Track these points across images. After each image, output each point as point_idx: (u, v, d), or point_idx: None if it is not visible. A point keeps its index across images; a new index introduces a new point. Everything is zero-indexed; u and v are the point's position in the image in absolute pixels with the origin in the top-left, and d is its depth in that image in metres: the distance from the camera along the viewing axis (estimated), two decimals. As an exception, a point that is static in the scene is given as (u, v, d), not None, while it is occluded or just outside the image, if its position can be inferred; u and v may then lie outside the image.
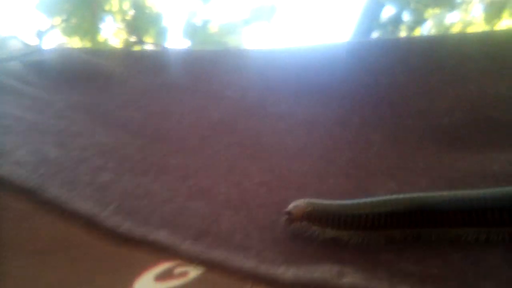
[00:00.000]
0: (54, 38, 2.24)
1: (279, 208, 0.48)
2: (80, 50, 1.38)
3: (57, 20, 2.19)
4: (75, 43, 2.27)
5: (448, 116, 0.74)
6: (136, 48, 2.64)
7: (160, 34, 2.36)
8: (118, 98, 0.85)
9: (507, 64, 0.82)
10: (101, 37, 2.44)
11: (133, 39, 2.56)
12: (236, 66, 0.97)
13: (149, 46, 2.64)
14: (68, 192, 0.46)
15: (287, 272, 0.39)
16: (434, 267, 0.41)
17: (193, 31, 2.28)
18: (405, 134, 0.73)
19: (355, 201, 0.46)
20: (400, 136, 0.72)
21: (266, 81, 0.91)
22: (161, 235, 0.41)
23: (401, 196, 0.46)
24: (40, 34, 2.12)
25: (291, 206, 0.46)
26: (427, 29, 2.33)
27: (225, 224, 0.46)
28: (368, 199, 0.46)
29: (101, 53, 1.15)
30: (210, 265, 0.40)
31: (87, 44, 2.48)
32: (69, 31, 2.20)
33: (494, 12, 2.12)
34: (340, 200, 0.47)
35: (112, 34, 2.40)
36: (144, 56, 1.06)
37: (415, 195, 0.46)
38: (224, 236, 0.44)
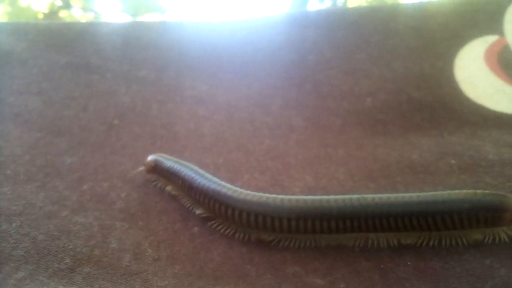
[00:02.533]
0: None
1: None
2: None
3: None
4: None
5: (371, 98, 0.71)
6: (62, 13, 2.43)
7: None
8: (16, 81, 0.75)
9: (433, 40, 0.80)
10: (22, 2, 2.23)
11: (59, 2, 2.36)
12: (152, 42, 0.88)
13: (77, 11, 2.44)
14: None
15: None
16: (341, 280, 0.38)
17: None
18: (328, 117, 0.69)
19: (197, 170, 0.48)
20: (323, 120, 0.69)
21: (184, 59, 0.83)
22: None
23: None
24: None
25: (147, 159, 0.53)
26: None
27: (114, 244, 0.40)
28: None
29: (2, 26, 1.01)
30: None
31: (6, 9, 2.25)
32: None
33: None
34: (189, 165, 0.50)
35: (37, -4, 2.18)
36: (51, 30, 0.94)
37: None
38: (110, 262, 0.38)
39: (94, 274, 0.35)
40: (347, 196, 0.41)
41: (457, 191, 0.40)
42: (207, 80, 0.79)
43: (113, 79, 0.78)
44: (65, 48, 0.86)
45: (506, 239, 0.38)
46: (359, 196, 0.41)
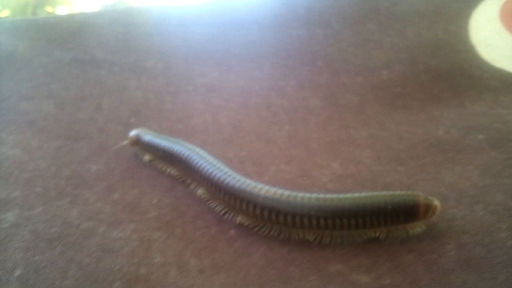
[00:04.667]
0: None
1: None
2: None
3: None
4: None
5: (387, 71, 0.70)
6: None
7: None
8: (24, 85, 0.74)
9: (444, 2, 0.78)
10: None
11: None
12: (155, 28, 0.86)
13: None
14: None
15: None
16: (386, 275, 0.39)
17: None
18: (344, 95, 0.68)
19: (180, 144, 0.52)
20: (340, 99, 0.68)
21: (190, 45, 0.81)
22: None
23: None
24: None
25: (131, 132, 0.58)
26: None
27: (157, 258, 0.41)
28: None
29: (1, 25, 0.98)
30: None
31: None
32: None
33: None
34: (169, 138, 0.55)
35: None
36: (50, 24, 0.91)
37: None
38: (158, 280, 0.38)
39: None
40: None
41: (381, 193, 0.41)
42: (217, 66, 0.77)
43: (121, 73, 0.76)
44: (67, 43, 0.84)
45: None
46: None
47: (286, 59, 0.77)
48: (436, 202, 0.41)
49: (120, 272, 0.38)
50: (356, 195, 0.42)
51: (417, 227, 0.41)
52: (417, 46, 0.72)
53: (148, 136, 0.57)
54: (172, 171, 0.54)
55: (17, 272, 0.37)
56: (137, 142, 0.57)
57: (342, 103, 0.67)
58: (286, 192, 0.42)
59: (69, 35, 0.86)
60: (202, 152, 0.51)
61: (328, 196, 0.42)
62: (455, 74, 0.67)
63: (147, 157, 0.56)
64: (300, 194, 0.42)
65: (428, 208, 0.40)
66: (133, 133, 0.58)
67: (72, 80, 0.75)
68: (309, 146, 0.59)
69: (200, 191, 0.49)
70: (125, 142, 0.58)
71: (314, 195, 0.42)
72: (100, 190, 0.51)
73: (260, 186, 0.44)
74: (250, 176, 0.46)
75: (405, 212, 0.40)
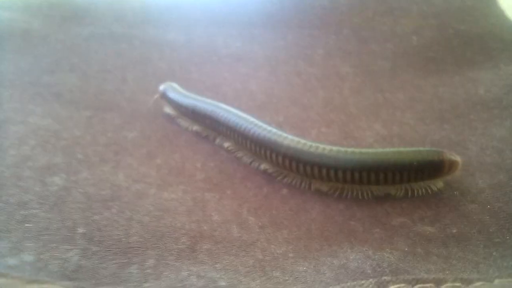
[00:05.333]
0: None
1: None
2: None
3: None
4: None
5: (417, 36, 0.69)
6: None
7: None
8: (44, 60, 0.71)
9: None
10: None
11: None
12: (173, 1, 0.84)
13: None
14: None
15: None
16: (452, 225, 0.38)
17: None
18: (375, 62, 0.67)
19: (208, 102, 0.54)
20: (371, 65, 0.67)
21: (211, 16, 0.80)
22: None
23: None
24: None
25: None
26: None
27: (216, 217, 0.40)
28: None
29: (11, 5, 0.95)
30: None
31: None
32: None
33: None
34: (193, 96, 0.56)
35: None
36: (62, 0, 0.89)
37: None
38: (223, 235, 0.37)
39: (215, 250, 0.35)
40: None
41: (407, 149, 0.41)
42: (239, 36, 0.76)
43: (142, 46, 0.75)
44: (83, 19, 0.82)
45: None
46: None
47: (310, 28, 0.75)
48: (458, 158, 0.40)
49: (183, 229, 0.37)
50: (380, 150, 0.41)
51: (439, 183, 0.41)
52: (445, 12, 0.71)
53: (173, 93, 0.58)
54: (195, 127, 0.55)
55: (80, 230, 0.35)
56: (162, 95, 0.59)
57: (374, 70, 0.66)
58: (309, 143, 0.42)
59: (84, 10, 0.84)
60: (225, 105, 0.52)
61: (350, 149, 0.41)
62: (487, 38, 0.66)
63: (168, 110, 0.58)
64: (322, 146, 0.42)
65: (452, 164, 0.40)
66: (161, 87, 0.60)
67: (93, 55, 0.73)
68: (347, 110, 0.58)
69: (226, 144, 0.50)
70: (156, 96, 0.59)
71: (335, 148, 0.41)
72: (141, 156, 0.50)
73: (284, 135, 0.44)
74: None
75: (430, 168, 0.40)
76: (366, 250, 0.35)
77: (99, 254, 0.33)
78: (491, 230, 0.37)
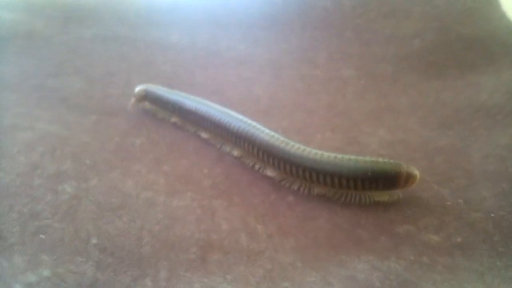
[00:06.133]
0: None
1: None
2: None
3: None
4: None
5: (419, 39, 0.70)
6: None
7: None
8: (47, 62, 0.72)
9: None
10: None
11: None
12: (176, 3, 0.84)
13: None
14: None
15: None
16: (456, 234, 0.39)
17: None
18: (378, 65, 0.68)
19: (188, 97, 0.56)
20: (374, 69, 0.67)
21: (214, 19, 0.80)
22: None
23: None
24: None
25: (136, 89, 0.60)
26: None
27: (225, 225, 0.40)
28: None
29: (14, 6, 0.95)
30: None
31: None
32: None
33: None
34: (174, 92, 0.58)
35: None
36: (65, 2, 0.89)
37: None
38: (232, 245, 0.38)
39: (224, 260, 0.36)
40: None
41: (365, 159, 0.42)
42: (243, 39, 0.76)
43: (146, 48, 0.75)
44: (86, 20, 0.82)
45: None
46: None
47: (313, 31, 0.76)
48: (416, 172, 0.41)
49: (193, 238, 0.38)
50: (346, 157, 0.42)
51: (396, 195, 0.42)
52: (447, 14, 0.72)
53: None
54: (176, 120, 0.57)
55: (94, 241, 0.36)
56: (144, 98, 0.60)
57: (376, 73, 0.66)
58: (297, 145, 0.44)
59: (87, 12, 0.84)
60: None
61: (319, 152, 0.43)
62: (489, 41, 0.67)
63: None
64: (308, 149, 0.43)
65: (409, 178, 0.41)
66: (139, 88, 0.60)
67: (96, 57, 0.74)
68: (351, 115, 0.59)
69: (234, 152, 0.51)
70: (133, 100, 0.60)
71: (319, 152, 0.43)
72: (149, 162, 0.50)
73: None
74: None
75: (385, 180, 0.41)
76: (373, 259, 0.36)
77: (113, 266, 0.34)
78: (495, 239, 0.37)
